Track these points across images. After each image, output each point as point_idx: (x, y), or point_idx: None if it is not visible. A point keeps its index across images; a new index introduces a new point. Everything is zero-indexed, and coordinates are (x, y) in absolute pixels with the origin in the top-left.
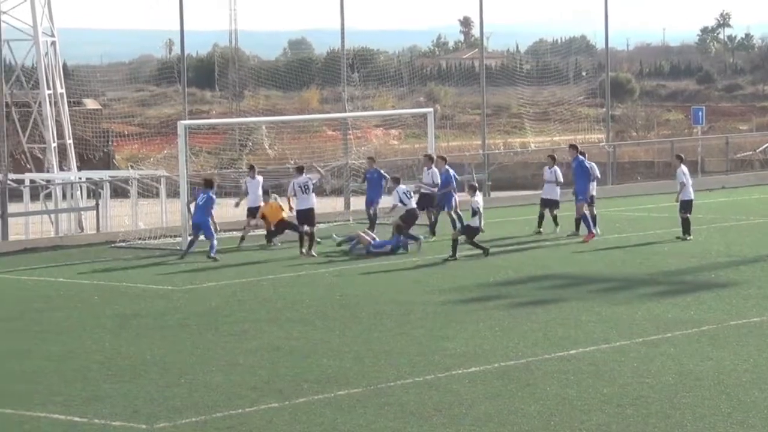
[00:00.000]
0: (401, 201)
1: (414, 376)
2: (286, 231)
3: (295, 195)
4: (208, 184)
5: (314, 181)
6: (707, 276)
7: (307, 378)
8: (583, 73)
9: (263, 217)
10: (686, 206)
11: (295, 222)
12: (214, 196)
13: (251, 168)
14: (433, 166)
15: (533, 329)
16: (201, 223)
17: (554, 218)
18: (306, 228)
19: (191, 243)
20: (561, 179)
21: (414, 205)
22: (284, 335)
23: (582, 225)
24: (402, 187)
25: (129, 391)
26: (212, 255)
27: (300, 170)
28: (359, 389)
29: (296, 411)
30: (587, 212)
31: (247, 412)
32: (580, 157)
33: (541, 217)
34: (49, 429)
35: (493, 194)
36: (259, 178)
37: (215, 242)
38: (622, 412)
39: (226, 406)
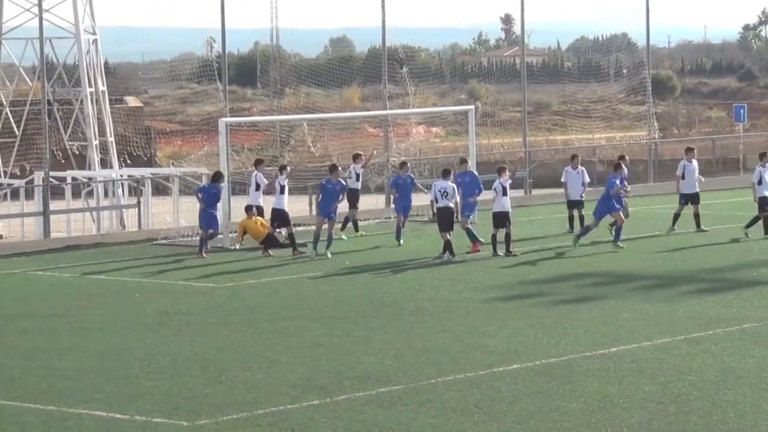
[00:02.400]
0: (435, 198)
1: (455, 373)
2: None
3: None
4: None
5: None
6: (749, 273)
7: (348, 375)
8: (624, 71)
9: (244, 231)
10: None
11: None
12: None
13: (283, 168)
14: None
15: (574, 327)
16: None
17: (581, 218)
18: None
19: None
20: (587, 179)
21: (450, 204)
22: (325, 333)
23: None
24: (441, 183)
25: (170, 388)
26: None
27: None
28: (400, 386)
29: (337, 408)
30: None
31: (288, 409)
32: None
33: (571, 218)
34: (91, 425)
35: (535, 192)
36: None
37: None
38: (663, 409)
39: (267, 403)
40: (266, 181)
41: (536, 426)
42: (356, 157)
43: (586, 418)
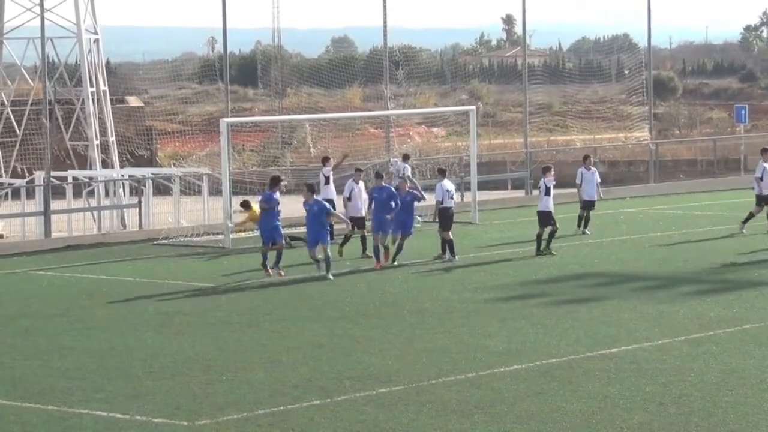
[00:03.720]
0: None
1: (456, 374)
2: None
3: (350, 198)
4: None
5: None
6: (750, 274)
7: (349, 375)
8: (626, 71)
9: (246, 220)
10: None
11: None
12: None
13: (359, 171)
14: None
15: (575, 327)
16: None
17: (587, 219)
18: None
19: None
20: (599, 179)
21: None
22: (326, 333)
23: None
24: (447, 183)
25: (171, 388)
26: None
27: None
28: (401, 387)
29: (338, 408)
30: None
31: (289, 409)
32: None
33: (581, 218)
34: (91, 425)
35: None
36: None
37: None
38: (664, 410)
39: (268, 404)
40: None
41: (537, 426)
42: (325, 160)
43: (587, 418)
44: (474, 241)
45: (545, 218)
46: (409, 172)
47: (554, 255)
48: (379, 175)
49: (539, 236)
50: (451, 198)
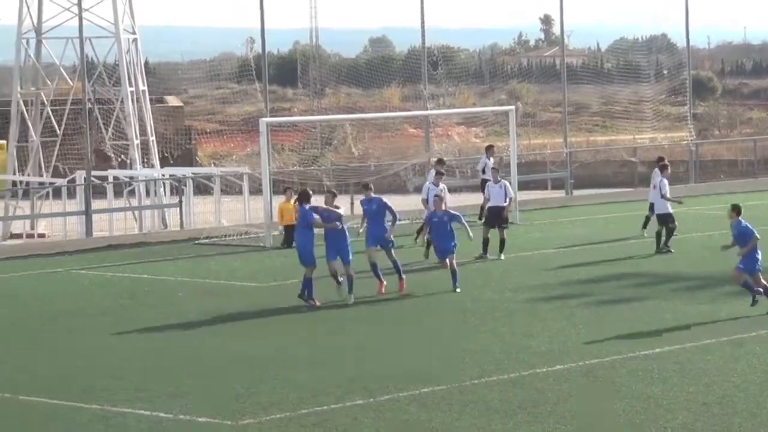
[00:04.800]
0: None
1: (498, 374)
2: None
3: (428, 200)
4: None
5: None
6: None
7: (392, 375)
8: (665, 72)
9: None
10: None
11: None
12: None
13: (440, 174)
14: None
15: (618, 327)
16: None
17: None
18: None
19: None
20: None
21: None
22: (369, 332)
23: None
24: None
25: (214, 388)
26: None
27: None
28: (444, 387)
29: (381, 408)
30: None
31: (333, 409)
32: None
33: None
34: (135, 425)
35: (576, 192)
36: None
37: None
38: (707, 410)
39: (311, 403)
40: None
41: (580, 427)
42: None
43: (630, 419)
44: (515, 241)
45: (663, 218)
46: (490, 165)
47: (672, 252)
48: (366, 186)
49: (658, 234)
50: (502, 197)
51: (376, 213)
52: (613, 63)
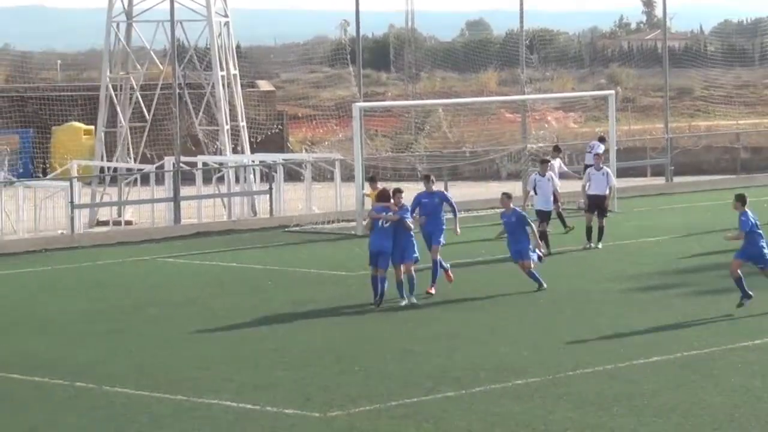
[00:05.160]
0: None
1: (593, 365)
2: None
3: (535, 192)
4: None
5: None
6: None
7: (483, 366)
8: None
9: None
10: None
11: None
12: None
13: (545, 162)
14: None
15: (716, 318)
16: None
17: None
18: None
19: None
20: None
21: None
22: (460, 322)
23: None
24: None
25: (302, 379)
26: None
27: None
28: (537, 378)
29: (472, 400)
30: None
31: (423, 400)
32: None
33: None
34: (221, 416)
35: (677, 179)
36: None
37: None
38: None
39: (400, 395)
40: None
41: (678, 420)
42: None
43: (730, 412)
44: (613, 229)
45: None
46: (601, 150)
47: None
48: (428, 179)
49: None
50: (603, 184)
51: (437, 207)
52: (716, 46)
